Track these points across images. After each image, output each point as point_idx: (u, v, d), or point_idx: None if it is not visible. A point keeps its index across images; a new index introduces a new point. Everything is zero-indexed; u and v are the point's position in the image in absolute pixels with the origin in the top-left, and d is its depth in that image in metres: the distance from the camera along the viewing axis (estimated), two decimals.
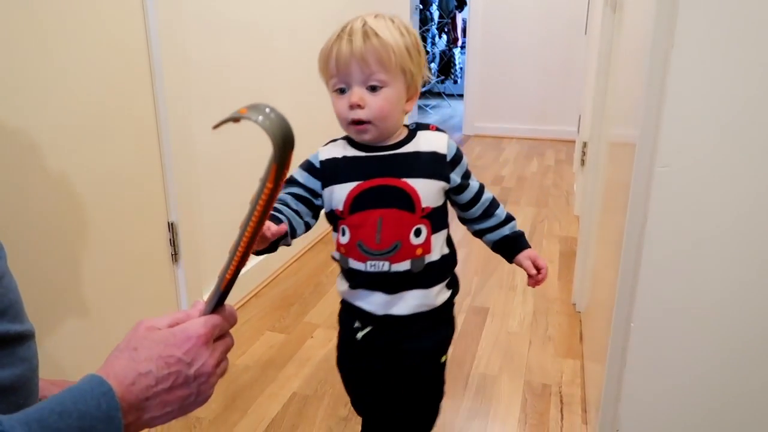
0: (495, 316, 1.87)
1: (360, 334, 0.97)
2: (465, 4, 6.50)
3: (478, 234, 1.06)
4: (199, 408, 0.62)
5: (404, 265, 0.90)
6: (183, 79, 1.52)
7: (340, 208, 0.89)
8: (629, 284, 0.91)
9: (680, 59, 0.77)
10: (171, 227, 1.56)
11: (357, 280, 0.93)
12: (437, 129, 0.95)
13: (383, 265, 0.90)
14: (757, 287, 0.83)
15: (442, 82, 7.31)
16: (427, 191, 0.90)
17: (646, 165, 0.85)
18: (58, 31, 1.15)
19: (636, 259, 0.88)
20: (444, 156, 0.93)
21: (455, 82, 7.27)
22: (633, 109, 0.99)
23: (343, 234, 0.91)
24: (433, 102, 7.02)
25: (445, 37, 7.10)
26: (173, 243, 1.58)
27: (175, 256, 1.60)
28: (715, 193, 0.81)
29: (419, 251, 0.91)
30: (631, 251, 0.90)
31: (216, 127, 0.57)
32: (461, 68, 7.12)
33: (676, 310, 0.87)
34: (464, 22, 6.47)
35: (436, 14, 6.93)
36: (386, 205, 0.88)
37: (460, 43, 6.90)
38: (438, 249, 0.93)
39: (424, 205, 0.89)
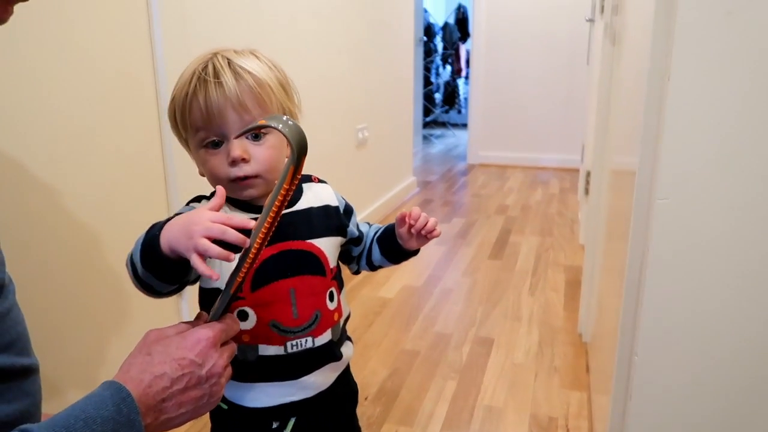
0: (500, 347, 1.85)
1: None
2: (468, 35, 6.60)
3: (369, 262, 0.92)
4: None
5: (326, 337, 0.79)
6: None
7: None
8: (632, 315, 0.91)
9: (677, 91, 0.78)
10: None
11: (268, 369, 0.77)
12: (319, 180, 0.86)
13: (306, 342, 0.77)
14: (761, 319, 0.82)
15: (447, 111, 7.39)
16: (330, 250, 0.81)
17: (646, 196, 0.85)
18: (59, 30, 1.17)
19: (638, 291, 0.88)
20: (336, 208, 0.84)
21: (459, 111, 7.35)
22: (632, 139, 1.00)
23: (244, 318, 0.74)
24: (437, 131, 7.08)
25: (449, 67, 7.20)
26: None
27: None
28: (716, 224, 0.81)
29: (336, 316, 0.81)
30: (633, 283, 0.89)
31: (238, 137, 0.60)
32: (465, 98, 7.20)
33: (680, 342, 0.86)
34: (468, 53, 6.56)
35: (440, 45, 7.04)
36: (295, 273, 0.76)
37: (464, 73, 6.98)
38: (345, 308, 0.85)
39: (331, 265, 0.81)
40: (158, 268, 0.64)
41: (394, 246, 0.87)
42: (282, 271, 0.75)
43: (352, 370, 0.90)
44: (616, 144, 1.45)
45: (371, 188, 3.14)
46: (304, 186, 0.83)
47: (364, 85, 2.92)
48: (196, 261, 0.57)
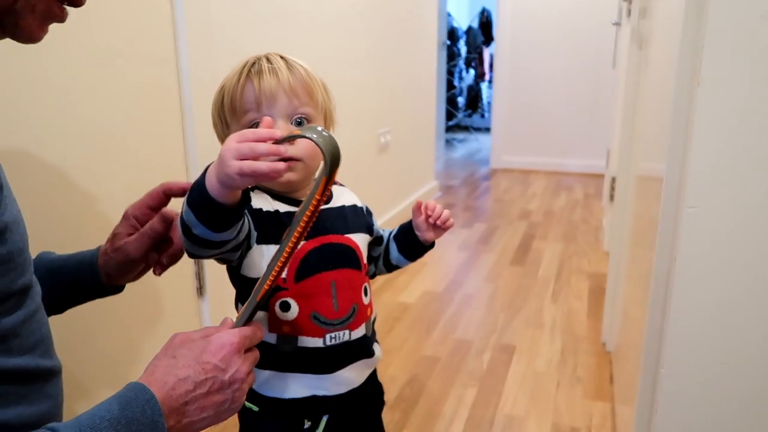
0: (522, 355, 1.82)
1: None
2: (492, 39, 6.57)
3: (386, 262, 0.94)
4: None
5: (361, 331, 0.81)
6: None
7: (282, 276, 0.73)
8: (658, 326, 0.88)
9: (707, 97, 0.76)
10: (197, 260, 1.58)
11: (306, 360, 0.78)
12: (339, 183, 0.89)
13: (344, 335, 0.79)
14: None
15: (470, 116, 7.36)
16: (363, 246, 0.84)
17: (674, 204, 0.83)
18: (87, 39, 1.19)
19: (665, 301, 0.85)
20: (362, 208, 0.88)
21: (482, 116, 7.31)
22: (659, 145, 0.97)
23: (286, 309, 0.76)
24: (460, 136, 7.04)
25: (472, 71, 7.17)
26: (199, 276, 1.59)
27: (200, 289, 1.61)
28: (746, 234, 0.78)
29: (369, 312, 0.84)
30: (660, 292, 0.87)
31: (278, 142, 0.61)
32: (488, 102, 7.16)
33: (709, 355, 0.83)
34: (491, 56, 6.52)
35: (463, 49, 7.01)
36: (336, 266, 0.79)
37: (487, 77, 6.95)
38: (374, 306, 0.87)
39: (365, 261, 0.84)
40: (208, 213, 0.62)
41: (411, 240, 0.90)
42: (324, 264, 0.78)
43: None
44: (643, 150, 1.42)
45: (393, 192, 3.13)
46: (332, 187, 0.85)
47: (386, 89, 2.92)
48: (239, 182, 0.57)
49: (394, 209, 3.11)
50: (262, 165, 0.57)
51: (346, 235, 0.82)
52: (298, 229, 0.58)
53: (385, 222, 2.91)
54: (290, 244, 0.59)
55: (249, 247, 0.76)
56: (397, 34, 3.02)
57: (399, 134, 3.11)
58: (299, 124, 0.77)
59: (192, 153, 1.48)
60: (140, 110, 1.32)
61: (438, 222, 0.87)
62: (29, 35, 0.58)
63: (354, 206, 0.87)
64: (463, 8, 7.53)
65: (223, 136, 0.81)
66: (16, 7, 0.55)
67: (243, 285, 0.79)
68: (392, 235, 0.93)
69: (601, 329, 1.91)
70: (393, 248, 0.92)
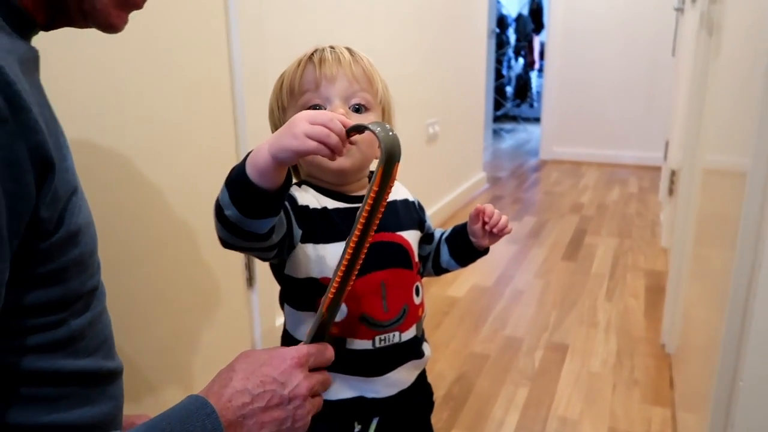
0: (575, 354, 1.76)
1: None
2: (542, 27, 6.39)
3: (435, 264, 0.90)
4: None
5: (411, 332, 0.78)
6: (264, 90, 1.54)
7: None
8: (736, 335, 0.82)
9: None
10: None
11: (355, 363, 0.76)
12: None
13: (394, 337, 0.76)
14: None
15: (518, 105, 7.21)
16: (415, 243, 0.81)
17: (758, 201, 0.77)
18: (145, 37, 1.19)
19: (745, 308, 0.79)
20: (414, 203, 0.85)
21: (531, 105, 7.15)
22: (738, 140, 0.90)
23: None
24: (508, 126, 6.91)
25: (521, 60, 7.01)
26: (249, 267, 1.59)
27: (250, 280, 1.61)
28: None
29: (420, 311, 0.81)
30: (739, 297, 0.81)
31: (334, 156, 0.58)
32: (537, 91, 6.99)
33: None
34: (542, 45, 6.36)
35: (512, 37, 6.86)
36: (386, 265, 0.76)
37: (537, 66, 6.78)
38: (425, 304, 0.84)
39: (416, 259, 0.81)
40: (247, 198, 0.60)
41: (464, 244, 0.86)
42: (374, 263, 0.74)
43: None
44: (714, 142, 1.34)
45: (441, 184, 3.08)
46: None
47: (435, 79, 2.86)
48: (302, 146, 0.56)
49: (441, 201, 3.06)
50: (333, 136, 0.56)
51: (398, 233, 0.78)
52: (359, 225, 0.56)
53: (433, 213, 2.87)
54: (349, 250, 0.57)
55: (292, 246, 0.73)
56: (447, 24, 2.96)
57: (447, 125, 3.06)
58: (357, 110, 0.75)
59: (243, 143, 1.48)
60: (195, 102, 1.32)
61: (495, 230, 0.82)
62: (107, 21, 0.58)
63: (406, 200, 0.84)
64: None
65: (278, 124, 0.78)
66: None
67: (287, 284, 0.77)
68: (444, 237, 0.89)
69: (660, 330, 1.83)
70: (444, 251, 0.88)
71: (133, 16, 0.62)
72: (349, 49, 0.77)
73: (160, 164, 1.25)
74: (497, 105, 6.87)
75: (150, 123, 1.21)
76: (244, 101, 1.45)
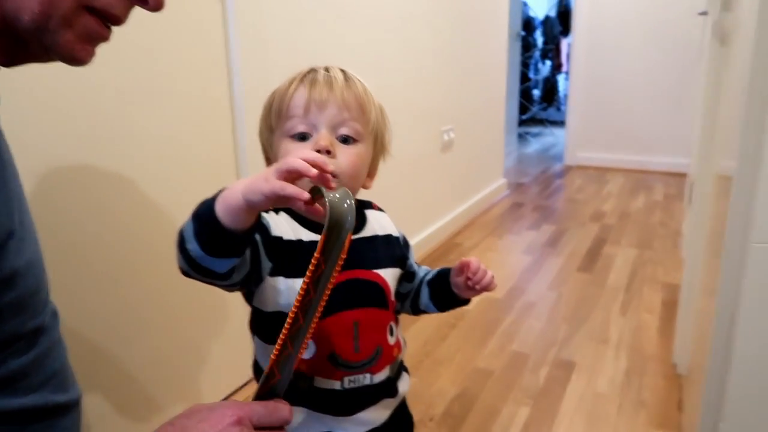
0: (582, 372, 1.71)
1: None
2: (570, 29, 6.28)
3: (414, 304, 0.87)
4: None
5: (384, 373, 0.76)
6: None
7: None
8: (722, 351, 0.77)
9: None
10: None
11: (321, 401, 0.74)
12: (378, 208, 0.84)
13: (364, 378, 0.74)
14: None
15: (545, 109, 7.09)
16: (392, 282, 0.78)
17: (743, 203, 0.72)
18: (143, 50, 1.19)
19: (731, 321, 0.75)
20: (397, 239, 0.83)
21: (558, 108, 7.02)
22: (732, 144, 0.85)
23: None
24: (534, 129, 6.81)
25: (548, 63, 6.90)
26: None
27: None
28: None
29: (396, 352, 0.79)
30: (726, 313, 0.76)
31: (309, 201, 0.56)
32: (565, 95, 6.87)
33: None
34: (569, 47, 6.24)
35: (539, 40, 6.75)
36: (360, 304, 0.74)
37: (564, 69, 6.66)
38: (402, 342, 0.82)
39: (392, 298, 0.78)
40: (211, 235, 0.59)
41: (446, 291, 0.83)
42: (347, 302, 0.72)
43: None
44: (722, 148, 1.28)
45: (456, 192, 3.04)
46: (367, 213, 0.81)
47: (450, 85, 2.82)
48: (287, 189, 0.54)
49: (458, 208, 3.02)
50: (293, 188, 0.54)
51: (375, 270, 0.76)
52: (299, 294, 0.54)
53: (447, 222, 2.83)
54: (289, 320, 0.55)
55: (260, 279, 0.71)
56: (464, 27, 2.92)
57: (464, 131, 3.02)
58: (344, 141, 0.72)
59: (242, 155, 1.48)
60: (192, 114, 1.33)
61: (478, 287, 0.79)
62: (71, 54, 0.56)
63: (388, 236, 0.81)
64: None
65: (267, 145, 0.77)
66: (50, 27, 0.52)
67: (256, 316, 0.75)
68: (427, 279, 0.86)
69: (673, 348, 1.76)
70: (425, 293, 0.86)
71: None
72: (344, 72, 0.74)
73: (160, 177, 1.26)
74: (523, 109, 6.77)
75: (149, 136, 1.22)
76: (244, 113, 1.45)
